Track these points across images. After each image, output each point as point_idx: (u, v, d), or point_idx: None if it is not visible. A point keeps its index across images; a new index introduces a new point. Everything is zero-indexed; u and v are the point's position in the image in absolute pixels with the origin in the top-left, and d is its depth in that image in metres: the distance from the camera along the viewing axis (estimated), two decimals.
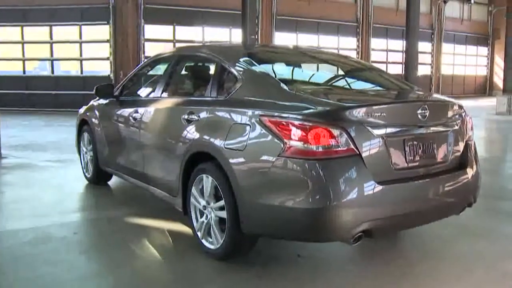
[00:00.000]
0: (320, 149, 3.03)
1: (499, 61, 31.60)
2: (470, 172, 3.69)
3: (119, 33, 17.46)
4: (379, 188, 3.12)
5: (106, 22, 17.50)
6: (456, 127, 3.69)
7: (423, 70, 26.67)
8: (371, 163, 3.13)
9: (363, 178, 3.09)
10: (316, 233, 3.13)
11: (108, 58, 17.88)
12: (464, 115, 3.82)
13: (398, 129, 3.31)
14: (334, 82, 4.35)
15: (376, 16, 24.56)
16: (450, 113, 3.69)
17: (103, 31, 17.79)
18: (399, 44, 25.91)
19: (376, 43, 25.56)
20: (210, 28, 20.03)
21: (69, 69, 19.58)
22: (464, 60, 31.39)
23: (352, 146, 3.09)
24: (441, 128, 3.59)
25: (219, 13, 19.35)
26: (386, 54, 26.82)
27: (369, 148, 3.15)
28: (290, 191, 3.11)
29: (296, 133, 3.08)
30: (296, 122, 3.11)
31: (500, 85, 31.90)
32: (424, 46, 26.45)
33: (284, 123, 3.15)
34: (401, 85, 4.21)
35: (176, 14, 18.65)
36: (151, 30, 18.50)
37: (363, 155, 3.12)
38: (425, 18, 26.22)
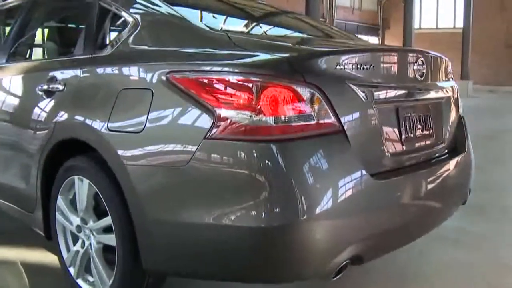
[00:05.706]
0: (280, 124, 1.76)
1: None
2: (467, 155, 2.62)
3: None
4: (373, 184, 1.90)
5: None
6: (451, 94, 2.61)
7: None
8: (359, 145, 1.91)
9: (350, 170, 1.86)
10: (275, 269, 1.83)
11: None
12: (453, 79, 2.74)
13: (390, 92, 2.13)
14: (283, 31, 3.12)
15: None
16: (445, 74, 2.58)
17: None
18: None
19: None
20: None
21: None
22: None
23: (332, 118, 1.84)
24: (437, 94, 2.47)
25: None
26: None
27: (356, 121, 1.93)
28: (227, 199, 1.80)
29: (235, 97, 1.78)
30: (235, 78, 1.80)
31: None
32: None
33: (214, 81, 1.82)
34: (354, 37, 3.14)
35: None
36: None
37: (348, 132, 1.88)
38: None
